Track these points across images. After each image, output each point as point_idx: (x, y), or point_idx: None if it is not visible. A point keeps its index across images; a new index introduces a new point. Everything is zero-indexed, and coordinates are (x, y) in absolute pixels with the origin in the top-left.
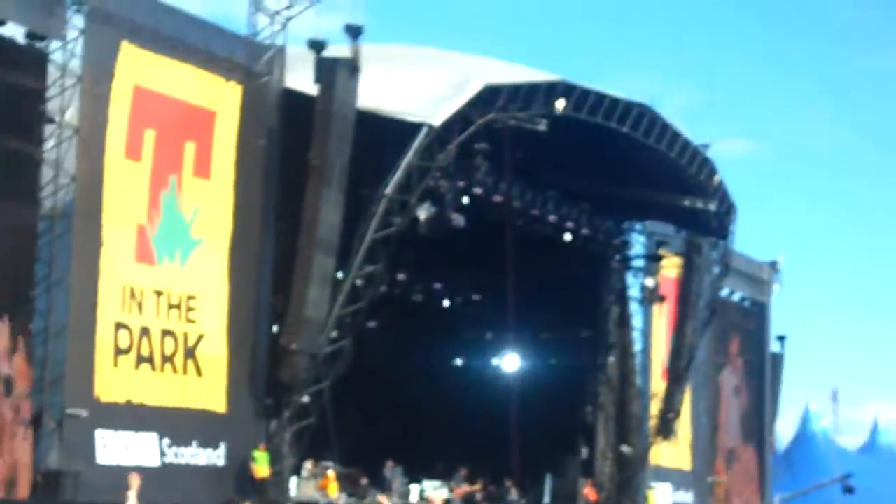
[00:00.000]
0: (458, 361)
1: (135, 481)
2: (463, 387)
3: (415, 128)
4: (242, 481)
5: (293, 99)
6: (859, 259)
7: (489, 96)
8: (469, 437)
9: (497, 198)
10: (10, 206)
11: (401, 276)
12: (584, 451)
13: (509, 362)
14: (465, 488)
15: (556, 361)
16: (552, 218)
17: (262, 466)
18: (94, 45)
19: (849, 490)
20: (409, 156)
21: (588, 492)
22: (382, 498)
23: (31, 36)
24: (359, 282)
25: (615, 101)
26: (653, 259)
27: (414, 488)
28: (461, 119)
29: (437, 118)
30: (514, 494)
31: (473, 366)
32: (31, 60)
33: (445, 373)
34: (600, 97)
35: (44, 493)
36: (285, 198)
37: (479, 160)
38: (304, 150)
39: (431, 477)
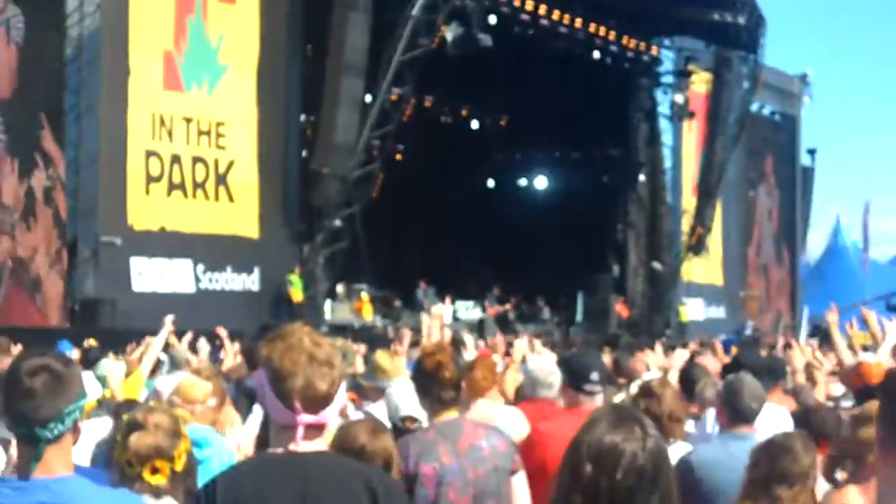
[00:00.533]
0: (489, 183)
1: (168, 320)
2: (494, 208)
3: None
4: (277, 305)
5: None
6: (891, 71)
7: None
8: (501, 257)
9: (524, 16)
10: (38, 36)
11: (429, 98)
12: (616, 269)
13: (539, 182)
14: (497, 308)
15: (585, 180)
16: (580, 35)
17: (297, 290)
18: None
19: (893, 308)
20: None
21: (620, 308)
22: (426, 316)
23: None
24: (387, 105)
25: None
26: (682, 75)
27: (447, 309)
28: None
29: None
30: (546, 313)
31: (504, 186)
32: None
33: (476, 194)
34: None
35: (81, 320)
36: (311, 22)
37: None
38: None
39: (464, 297)
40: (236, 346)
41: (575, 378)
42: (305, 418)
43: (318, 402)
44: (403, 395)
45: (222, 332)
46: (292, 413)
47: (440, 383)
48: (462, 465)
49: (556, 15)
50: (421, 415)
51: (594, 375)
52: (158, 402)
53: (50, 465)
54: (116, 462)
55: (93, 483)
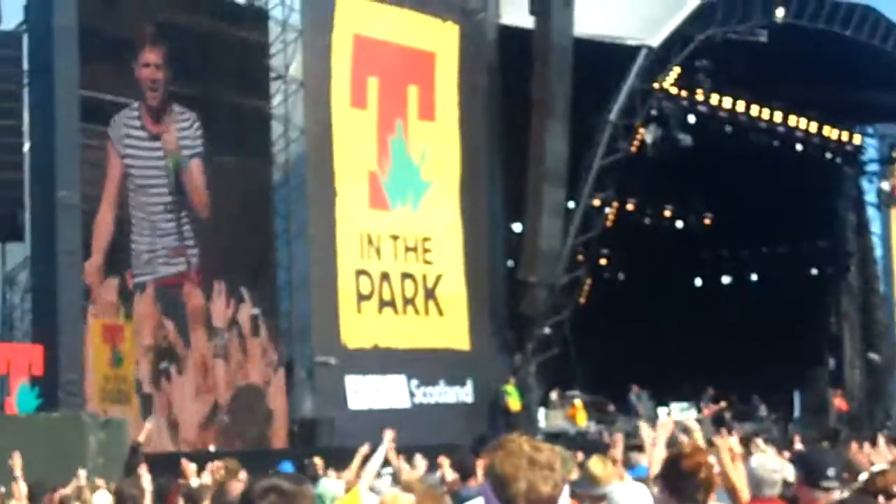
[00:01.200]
0: (696, 282)
1: (388, 436)
2: (703, 307)
3: (634, 51)
4: (492, 416)
5: (510, 33)
6: None
7: (707, 12)
8: (713, 356)
9: (722, 114)
10: (245, 163)
11: (631, 201)
12: (832, 362)
13: (747, 278)
14: (713, 408)
15: (794, 274)
16: (780, 129)
17: (514, 400)
18: None
19: None
20: (631, 79)
21: (839, 402)
22: (644, 424)
23: None
24: (590, 210)
25: (836, 5)
26: (887, 162)
27: (662, 411)
28: (680, 38)
29: (656, 39)
30: (762, 410)
31: (712, 285)
32: (252, 18)
33: (683, 294)
34: (820, 2)
35: (301, 441)
36: (510, 133)
37: (701, 77)
38: (525, 83)
39: (678, 399)
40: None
41: (811, 475)
42: None
43: None
44: (628, 499)
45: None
46: None
47: (696, 485)
48: None
49: (754, 110)
50: None
51: (831, 472)
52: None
53: None
54: None
55: None
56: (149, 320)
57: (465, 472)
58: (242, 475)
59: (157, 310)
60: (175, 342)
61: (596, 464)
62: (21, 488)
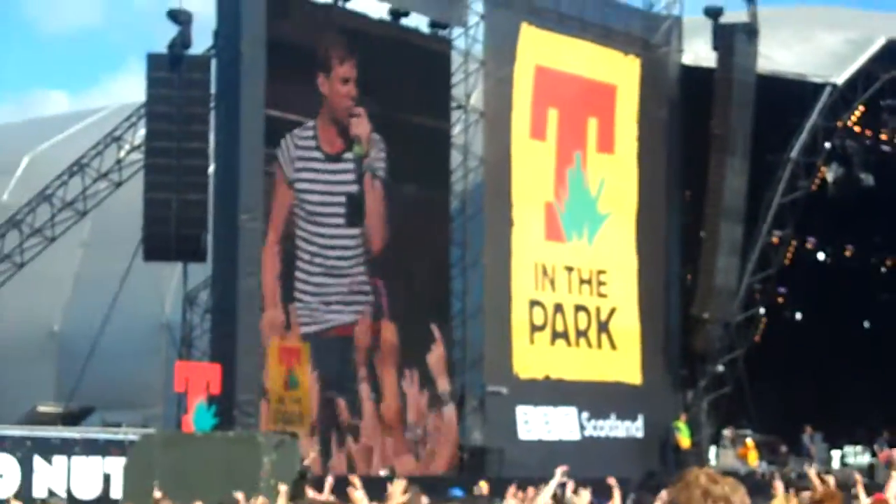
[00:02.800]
0: (873, 324)
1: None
2: (879, 349)
3: (818, 88)
4: (662, 451)
5: (692, 68)
6: None
7: (893, 50)
8: (889, 400)
9: None
10: (424, 191)
11: (810, 241)
12: None
13: None
14: (888, 452)
15: None
16: None
17: (684, 437)
18: (494, 30)
19: None
20: (814, 117)
21: None
22: (811, 470)
23: (434, 24)
24: (768, 248)
25: None
26: None
27: (835, 454)
28: (865, 76)
29: (841, 77)
30: None
31: (889, 327)
32: (435, 48)
33: (861, 336)
34: None
35: (470, 469)
36: (688, 168)
37: (886, 116)
38: (705, 119)
39: (852, 442)
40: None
41: None
42: None
43: None
44: None
45: (612, 481)
46: None
47: None
48: None
49: None
50: None
51: None
52: None
53: None
54: None
55: None
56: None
57: None
58: (425, 500)
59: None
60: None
61: (780, 501)
62: None
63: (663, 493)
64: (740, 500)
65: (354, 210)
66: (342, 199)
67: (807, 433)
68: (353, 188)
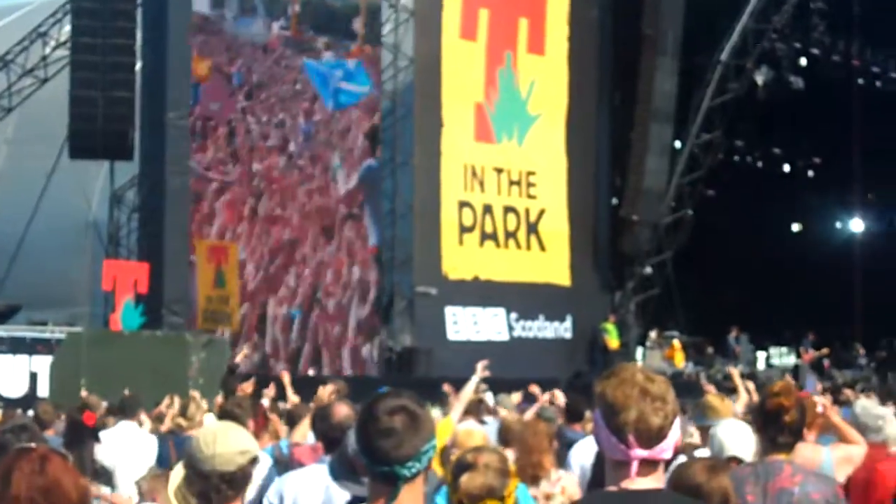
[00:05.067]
0: (799, 227)
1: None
2: (806, 252)
3: None
4: (590, 353)
5: None
6: None
7: None
8: (815, 302)
9: (836, 57)
10: None
11: (739, 143)
12: None
13: (853, 225)
14: (812, 353)
15: None
16: (894, 75)
17: (612, 338)
18: None
19: None
20: (744, 19)
21: None
22: (733, 370)
23: None
24: (697, 150)
25: None
26: None
27: (761, 355)
28: None
29: None
30: (862, 358)
31: (817, 230)
32: None
33: (788, 239)
34: None
35: (398, 370)
36: (619, 70)
37: (816, 20)
38: (636, 20)
39: (778, 343)
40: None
41: None
42: (639, 453)
43: (651, 436)
44: (730, 436)
45: (535, 389)
46: (626, 448)
47: (778, 426)
48: None
49: (868, 54)
50: (746, 455)
51: None
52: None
53: (403, 502)
54: (449, 502)
55: None
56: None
57: (572, 414)
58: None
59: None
60: None
61: (715, 397)
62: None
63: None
64: (673, 399)
65: None
66: None
67: (732, 334)
68: None
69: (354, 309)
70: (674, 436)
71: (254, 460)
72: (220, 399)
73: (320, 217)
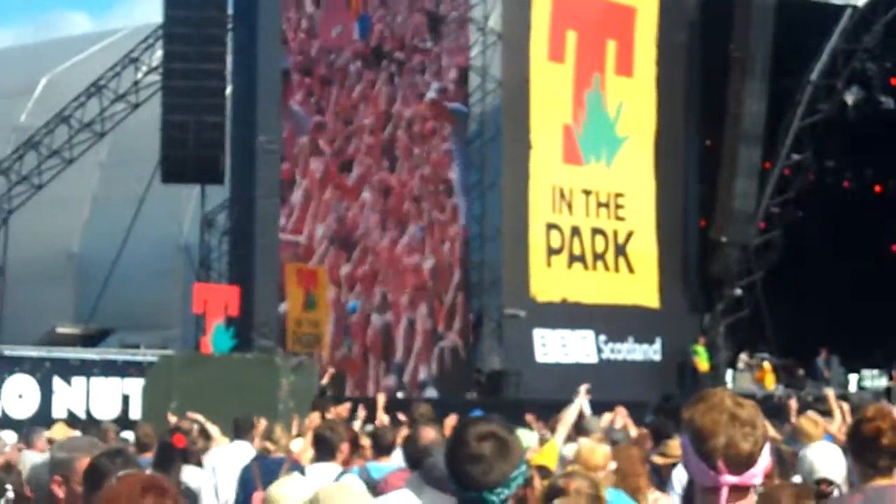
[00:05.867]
0: (893, 247)
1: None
2: None
3: (839, 10)
4: (680, 375)
5: None
6: None
7: None
8: None
9: None
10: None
11: (829, 164)
12: None
13: None
14: None
15: None
16: None
17: (702, 360)
18: None
19: None
20: (834, 39)
21: None
22: (829, 392)
23: None
24: (787, 171)
25: None
26: None
27: (852, 377)
28: None
29: None
30: None
31: None
32: None
33: (881, 259)
34: None
35: (487, 392)
36: (708, 92)
37: None
38: (725, 42)
39: (869, 366)
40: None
41: None
42: (728, 479)
43: (741, 462)
44: (821, 458)
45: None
46: (715, 474)
47: (876, 450)
48: None
49: None
50: (837, 477)
51: None
52: (576, 468)
53: None
54: None
55: None
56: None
57: (658, 436)
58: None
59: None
60: None
61: (808, 421)
62: (210, 430)
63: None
64: (762, 424)
65: None
66: None
67: (822, 356)
68: None
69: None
70: (763, 461)
71: None
72: (308, 422)
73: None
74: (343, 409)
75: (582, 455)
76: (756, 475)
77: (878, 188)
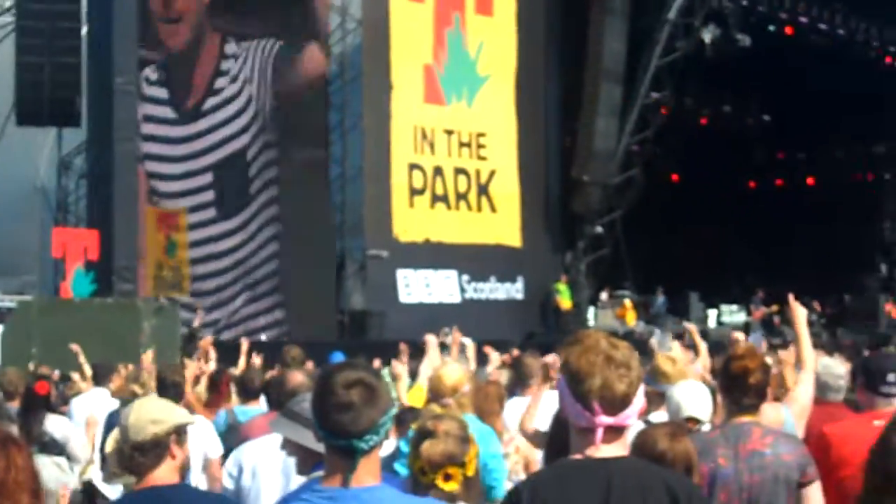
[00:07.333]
0: (751, 184)
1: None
2: (756, 208)
3: None
4: (542, 313)
5: None
6: None
7: None
8: (765, 259)
9: (783, 14)
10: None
11: (687, 102)
12: (884, 269)
13: (801, 182)
14: (763, 310)
15: (849, 179)
16: (841, 32)
17: (565, 298)
18: None
19: None
20: None
21: (890, 309)
22: (691, 326)
23: None
24: (646, 109)
25: None
26: None
27: (711, 313)
28: None
29: None
30: (813, 315)
31: (765, 187)
32: None
33: (737, 195)
34: None
35: (350, 333)
36: (568, 30)
37: None
38: None
39: (728, 301)
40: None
41: (872, 380)
42: (604, 420)
43: (616, 403)
44: (687, 397)
45: (490, 351)
46: (591, 415)
47: (743, 388)
48: (738, 468)
49: (815, 11)
50: (704, 416)
51: (891, 377)
52: (445, 408)
53: (361, 475)
54: (409, 469)
55: (400, 492)
56: None
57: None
58: (309, 364)
59: None
60: None
61: (665, 361)
62: (86, 370)
63: (551, 357)
64: (637, 366)
65: None
66: None
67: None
68: None
69: None
70: (638, 402)
71: (175, 430)
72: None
73: None
74: (206, 343)
75: (436, 378)
76: (631, 416)
77: (734, 124)
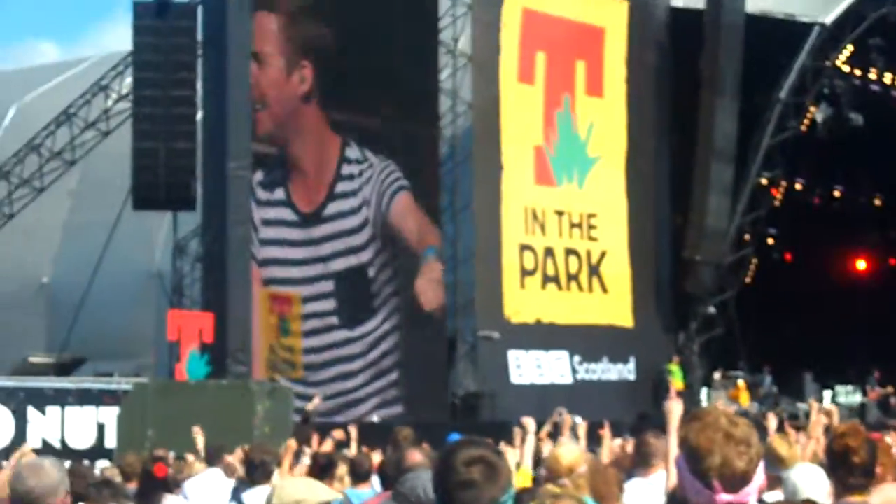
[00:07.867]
0: (862, 264)
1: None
2: (870, 289)
3: (806, 28)
4: (654, 394)
5: (680, 11)
6: None
7: None
8: (881, 339)
9: (895, 93)
10: (413, 136)
11: (800, 181)
12: None
13: None
14: (878, 391)
15: None
16: None
17: (677, 379)
18: None
19: None
20: (802, 57)
21: None
22: (813, 402)
23: None
24: (758, 189)
25: None
26: None
27: (826, 394)
28: (853, 16)
29: (829, 16)
30: None
31: (880, 267)
32: None
33: (851, 276)
34: None
35: (462, 414)
36: (678, 111)
37: (875, 56)
38: (695, 61)
39: (843, 381)
40: (615, 441)
41: None
42: (724, 497)
43: (736, 480)
44: (803, 479)
45: (606, 432)
46: (711, 493)
47: (848, 467)
48: None
49: None
50: (821, 498)
51: None
52: (563, 488)
53: None
54: None
55: None
56: None
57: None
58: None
59: None
60: None
61: (780, 444)
62: (201, 452)
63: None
64: (757, 442)
65: None
66: None
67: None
68: None
69: None
70: (758, 479)
71: None
72: (285, 448)
73: None
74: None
75: (552, 458)
76: (751, 493)
77: (847, 204)
